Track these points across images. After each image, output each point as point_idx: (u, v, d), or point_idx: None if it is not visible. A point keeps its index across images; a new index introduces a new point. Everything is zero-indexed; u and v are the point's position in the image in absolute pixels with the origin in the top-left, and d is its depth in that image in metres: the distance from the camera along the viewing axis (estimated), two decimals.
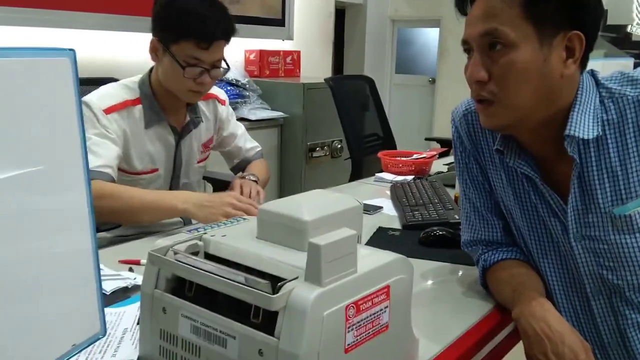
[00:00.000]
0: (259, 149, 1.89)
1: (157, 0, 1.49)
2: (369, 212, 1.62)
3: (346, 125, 2.86)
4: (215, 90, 1.73)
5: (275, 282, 0.66)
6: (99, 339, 0.68)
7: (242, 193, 1.55)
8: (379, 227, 1.49)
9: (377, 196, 1.81)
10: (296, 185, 3.65)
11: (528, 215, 1.04)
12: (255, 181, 1.68)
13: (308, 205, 0.78)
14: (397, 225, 1.53)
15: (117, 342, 0.84)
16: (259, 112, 3.49)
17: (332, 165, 3.80)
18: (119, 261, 1.17)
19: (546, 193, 1.00)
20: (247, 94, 3.52)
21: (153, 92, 1.53)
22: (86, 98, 1.45)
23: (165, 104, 1.55)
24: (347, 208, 0.80)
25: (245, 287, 0.66)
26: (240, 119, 3.41)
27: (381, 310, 0.73)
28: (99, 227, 1.47)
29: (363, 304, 0.70)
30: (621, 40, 6.45)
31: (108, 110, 1.45)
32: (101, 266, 1.07)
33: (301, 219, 0.74)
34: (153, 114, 1.53)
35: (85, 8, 2.82)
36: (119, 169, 1.49)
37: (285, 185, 3.72)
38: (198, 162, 1.70)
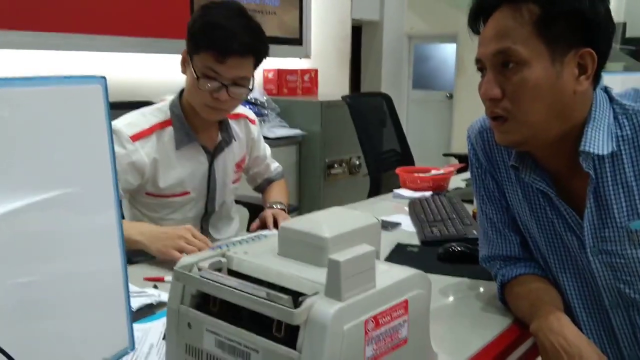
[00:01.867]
0: (280, 169, 1.92)
1: (194, 13, 1.51)
2: (388, 229, 1.64)
3: (364, 141, 2.89)
4: (244, 109, 1.74)
5: (297, 297, 0.69)
6: (127, 353, 0.71)
7: (275, 224, 1.60)
8: (398, 244, 1.50)
9: (396, 212, 1.83)
10: (315, 201, 3.68)
11: (545, 230, 1.05)
12: (283, 209, 1.71)
13: (327, 222, 0.80)
14: (415, 241, 1.54)
15: (144, 357, 0.87)
16: (277, 130, 3.54)
17: (351, 182, 3.82)
18: (144, 278, 1.20)
19: (562, 208, 1.01)
20: (266, 112, 3.58)
21: (184, 113, 1.54)
22: (114, 125, 1.45)
23: (196, 124, 1.55)
24: (366, 225, 0.83)
25: (268, 302, 0.68)
26: (262, 137, 3.47)
27: (399, 324, 0.75)
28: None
29: (382, 318, 0.72)
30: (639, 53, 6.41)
31: (135, 137, 1.46)
32: None
33: (321, 236, 0.77)
34: (184, 134, 1.53)
35: (115, 32, 2.91)
36: (147, 193, 1.52)
37: (304, 202, 3.75)
38: (233, 183, 1.72)
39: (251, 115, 1.79)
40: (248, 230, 1.65)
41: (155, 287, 1.14)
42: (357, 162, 3.83)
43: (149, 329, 0.95)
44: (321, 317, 0.66)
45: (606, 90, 1.00)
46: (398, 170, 2.23)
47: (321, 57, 4.45)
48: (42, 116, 0.60)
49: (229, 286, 0.73)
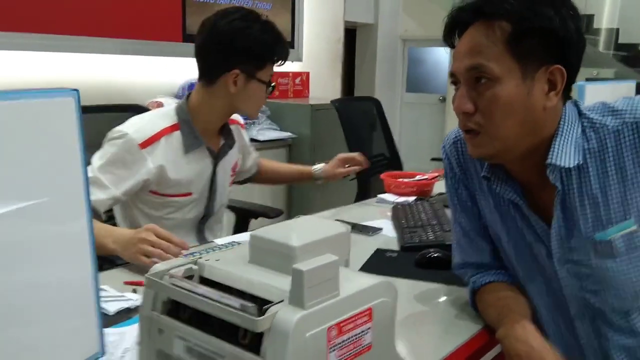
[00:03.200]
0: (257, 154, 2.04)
1: (223, 36, 1.54)
2: (369, 234, 1.66)
3: (352, 145, 2.91)
4: (234, 115, 1.80)
5: (262, 305, 0.71)
6: (97, 358, 0.73)
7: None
8: (377, 249, 1.53)
9: (379, 217, 1.85)
10: (304, 205, 3.70)
11: (514, 239, 1.07)
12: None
13: (297, 231, 0.83)
14: (396, 247, 1.57)
15: None
16: (267, 132, 3.56)
17: (340, 185, 3.82)
18: (124, 282, 1.22)
19: (531, 218, 1.03)
20: None
21: (192, 118, 1.60)
22: (124, 130, 1.49)
23: (203, 129, 1.62)
24: (335, 234, 0.85)
25: (233, 310, 0.70)
26: (249, 140, 3.49)
27: (363, 331, 0.77)
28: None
29: (345, 325, 0.74)
30: (632, 59, 6.45)
31: (143, 145, 1.50)
32: (106, 287, 1.13)
33: (289, 245, 0.79)
34: (192, 138, 1.59)
35: (105, 34, 2.93)
36: (151, 191, 1.56)
37: (293, 205, 3.77)
38: (230, 185, 1.79)
39: (241, 120, 1.86)
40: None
41: (134, 291, 1.16)
42: (347, 166, 3.84)
43: (124, 333, 0.97)
44: (284, 325, 0.68)
45: (576, 103, 1.02)
46: (383, 175, 2.25)
47: (313, 60, 4.47)
48: (13, 129, 0.62)
49: (197, 294, 0.75)
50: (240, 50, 1.54)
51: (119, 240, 1.33)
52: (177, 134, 1.58)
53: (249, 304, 0.70)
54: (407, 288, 1.27)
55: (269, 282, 0.77)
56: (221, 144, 1.69)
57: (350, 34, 5.96)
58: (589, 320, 1.01)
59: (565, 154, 0.96)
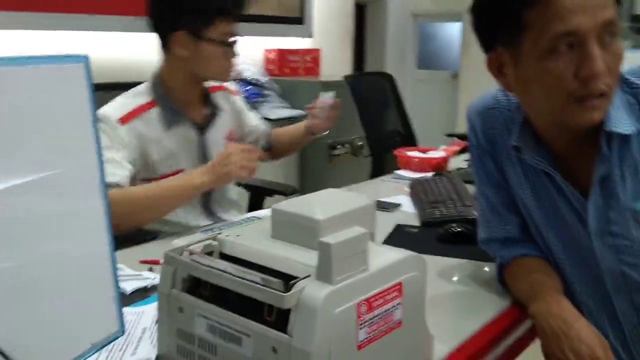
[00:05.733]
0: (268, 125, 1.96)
1: None
2: (388, 210, 1.62)
3: (366, 122, 2.87)
4: (223, 82, 1.73)
5: (288, 280, 0.68)
6: (117, 337, 0.70)
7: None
8: (397, 225, 1.49)
9: (396, 193, 1.81)
10: (318, 183, 3.66)
11: (546, 211, 1.03)
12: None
13: (320, 204, 0.79)
14: (416, 222, 1.53)
15: (137, 340, 0.86)
16: (279, 110, 3.51)
17: (354, 163, 3.80)
18: (140, 261, 1.19)
19: (566, 189, 0.98)
20: (267, 93, 3.55)
21: (166, 93, 1.54)
22: (100, 111, 1.44)
23: (182, 102, 1.55)
24: (359, 206, 0.81)
25: (258, 285, 0.67)
26: (261, 118, 3.45)
27: (394, 307, 0.73)
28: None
29: (375, 301, 0.71)
30: None
31: (124, 120, 1.45)
32: (122, 266, 1.10)
33: (313, 218, 0.75)
34: (171, 113, 1.53)
35: (98, 10, 2.85)
36: (141, 180, 1.50)
37: (307, 184, 3.73)
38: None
39: (230, 86, 1.77)
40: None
41: (151, 269, 1.14)
42: (360, 143, 3.79)
43: (142, 313, 0.94)
44: (311, 301, 0.65)
45: None
46: (396, 151, 2.21)
47: (324, 36, 4.39)
48: (22, 97, 0.58)
49: (219, 270, 0.71)
50: (182, 8, 1.45)
51: (202, 174, 1.38)
52: (155, 110, 1.51)
53: (275, 280, 0.67)
54: (430, 264, 1.21)
55: (294, 257, 0.74)
56: (205, 113, 1.61)
57: (360, 9, 5.86)
58: (627, 294, 0.97)
59: (621, 120, 0.91)
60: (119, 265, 1.11)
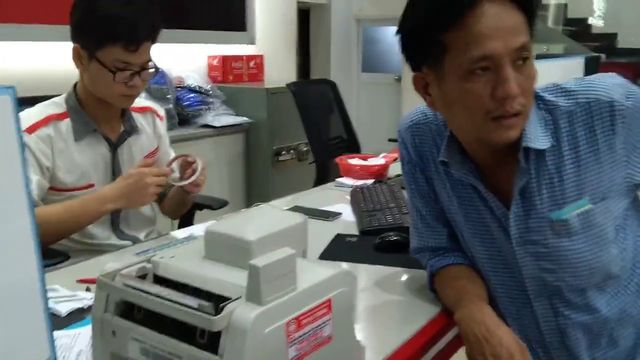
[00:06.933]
0: None
1: (75, 6, 1.46)
2: (329, 219, 1.66)
3: (309, 129, 2.90)
4: (152, 104, 1.74)
5: (220, 302, 0.69)
6: None
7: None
8: (337, 234, 1.52)
9: (338, 202, 1.85)
10: (263, 190, 3.67)
11: (472, 221, 1.08)
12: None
13: (252, 224, 0.81)
14: (355, 231, 1.57)
15: None
16: (223, 118, 3.51)
17: (299, 169, 3.83)
18: (77, 280, 1.18)
19: (489, 200, 1.04)
20: (211, 100, 3.54)
21: (81, 104, 1.53)
22: None
23: (96, 115, 1.54)
24: (292, 225, 0.84)
25: (188, 309, 0.68)
26: (205, 126, 3.44)
27: (323, 323, 0.76)
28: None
29: (304, 319, 0.73)
30: (581, 34, 6.60)
31: (30, 130, 1.44)
32: (57, 287, 1.09)
33: (245, 239, 0.77)
34: (82, 125, 1.52)
35: (10, 19, 2.77)
36: (51, 188, 1.48)
37: (252, 190, 3.74)
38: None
39: (160, 111, 1.76)
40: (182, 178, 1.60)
41: (88, 289, 1.13)
42: (305, 149, 3.84)
43: (78, 335, 0.94)
44: (241, 323, 0.67)
45: None
46: (338, 159, 2.25)
47: (267, 42, 4.41)
48: None
49: (151, 294, 0.73)
50: (77, 22, 1.44)
51: (113, 196, 1.43)
52: (67, 121, 1.51)
53: (205, 303, 0.68)
54: (366, 273, 1.27)
55: (226, 279, 0.75)
56: (121, 130, 1.60)
57: (305, 14, 5.90)
58: (547, 299, 1.03)
59: (536, 136, 0.97)
60: (54, 286, 1.10)
